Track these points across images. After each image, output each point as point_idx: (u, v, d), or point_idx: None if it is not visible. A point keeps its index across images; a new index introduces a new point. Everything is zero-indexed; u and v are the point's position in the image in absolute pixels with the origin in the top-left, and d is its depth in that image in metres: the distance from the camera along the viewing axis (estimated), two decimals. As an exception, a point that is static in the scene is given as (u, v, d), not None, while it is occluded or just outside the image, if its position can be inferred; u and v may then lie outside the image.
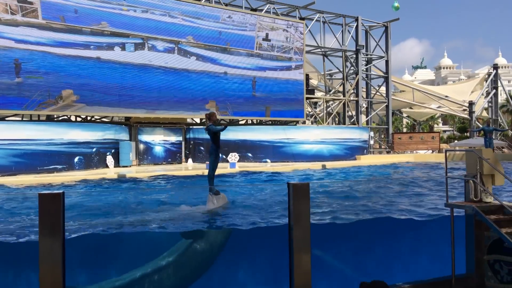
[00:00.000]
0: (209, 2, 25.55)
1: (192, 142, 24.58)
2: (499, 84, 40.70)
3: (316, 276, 6.01)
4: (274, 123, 27.53)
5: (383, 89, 35.13)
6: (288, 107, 27.02)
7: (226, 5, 26.88)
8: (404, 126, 65.25)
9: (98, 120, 23.15)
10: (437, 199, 10.50)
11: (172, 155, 23.52)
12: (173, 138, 23.62)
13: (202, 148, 24.34)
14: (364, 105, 34.68)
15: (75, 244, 6.67)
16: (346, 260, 8.42)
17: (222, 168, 19.62)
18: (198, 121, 28.23)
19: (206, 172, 18.63)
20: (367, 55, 33.86)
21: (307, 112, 31.11)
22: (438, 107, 47.60)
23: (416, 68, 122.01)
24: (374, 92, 35.10)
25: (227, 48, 24.74)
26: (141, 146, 22.52)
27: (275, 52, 26.55)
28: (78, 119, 22.70)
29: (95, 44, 20.37)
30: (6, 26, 18.01)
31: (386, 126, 34.98)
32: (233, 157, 21.31)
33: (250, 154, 23.97)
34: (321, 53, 33.42)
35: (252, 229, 7.68)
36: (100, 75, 20.38)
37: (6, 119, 19.83)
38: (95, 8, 20.47)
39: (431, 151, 32.23)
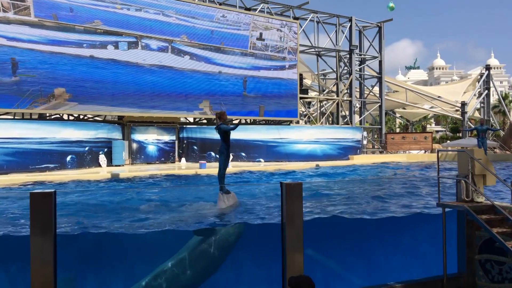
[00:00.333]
0: (204, 1, 25.50)
1: (185, 141, 24.52)
2: (491, 84, 41.00)
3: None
4: (268, 122, 27.54)
5: (376, 89, 35.27)
6: (282, 106, 27.04)
7: (220, 4, 26.84)
8: (397, 126, 65.55)
9: (90, 119, 23.03)
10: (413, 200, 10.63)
11: (165, 154, 23.45)
12: (167, 137, 23.55)
13: (195, 147, 24.30)
14: (357, 105, 34.79)
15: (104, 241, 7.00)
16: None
17: (215, 168, 19.63)
18: (191, 120, 28.18)
19: (199, 171, 18.68)
20: (360, 55, 33.97)
21: (301, 112, 31.15)
22: (431, 108, 47.88)
23: (409, 68, 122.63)
24: (368, 92, 35.23)
25: (221, 47, 24.70)
26: (134, 145, 22.43)
27: (269, 51, 26.55)
28: (71, 117, 22.56)
29: (88, 42, 20.26)
30: (-2, 23, 17.88)
31: (379, 126, 35.13)
32: (227, 156, 21.27)
33: (243, 154, 23.96)
34: (315, 53, 33.48)
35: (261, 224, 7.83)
36: (93, 74, 20.27)
37: (-2, 117, 19.67)
38: (88, 6, 20.36)
39: (423, 151, 32.41)
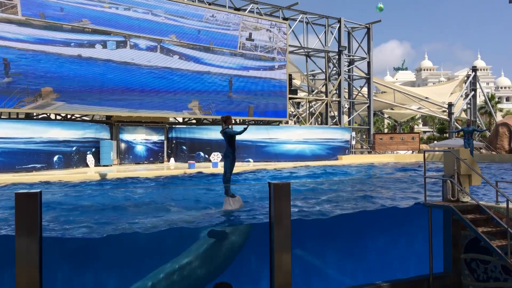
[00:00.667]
0: (193, 1, 25.43)
1: (174, 141, 24.42)
2: (477, 86, 41.52)
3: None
4: (257, 122, 27.55)
5: (365, 90, 35.50)
6: (271, 107, 27.09)
7: (210, 4, 26.79)
8: (385, 126, 66.05)
9: (78, 119, 22.83)
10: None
11: (154, 154, 23.33)
12: (155, 137, 23.43)
13: (184, 147, 24.22)
14: (346, 105, 34.98)
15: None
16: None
17: (204, 168, 19.60)
18: (180, 120, 28.07)
19: (188, 171, 18.63)
20: (349, 56, 34.16)
21: (290, 112, 31.23)
22: (418, 108, 48.34)
23: (397, 69, 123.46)
24: (356, 93, 35.44)
25: (210, 47, 24.66)
26: (123, 145, 22.28)
27: (258, 52, 26.57)
28: (58, 117, 22.34)
29: (76, 41, 20.08)
30: (-17, 21, 17.65)
31: (368, 127, 35.36)
32: (216, 156, 21.25)
33: (232, 154, 23.93)
34: (304, 53, 33.60)
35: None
36: (80, 73, 20.10)
37: (-17, 116, 19.41)
38: (76, 5, 20.18)
39: (411, 151, 32.70)
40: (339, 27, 32.49)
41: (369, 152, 33.59)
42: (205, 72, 24.33)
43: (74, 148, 19.53)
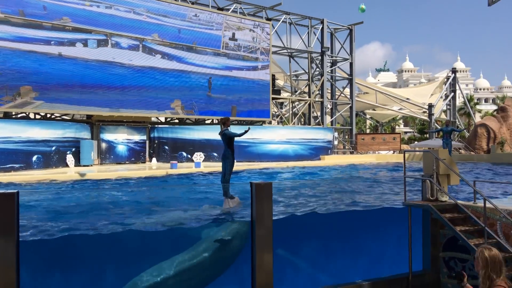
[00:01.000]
0: (176, 0, 25.27)
1: (156, 141, 24.24)
2: (457, 87, 42.25)
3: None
4: (240, 122, 27.53)
5: (347, 90, 35.80)
6: (254, 107, 27.10)
7: (193, 3, 26.66)
8: (367, 127, 66.69)
9: (58, 118, 22.48)
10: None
11: (136, 154, 23.11)
12: (137, 137, 23.22)
13: (166, 147, 24.05)
14: (328, 106, 35.20)
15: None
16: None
17: (187, 168, 19.49)
18: (163, 120, 27.87)
19: (170, 171, 18.50)
20: (332, 57, 34.40)
21: (273, 112, 31.30)
22: (399, 109, 48.97)
23: (379, 71, 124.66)
24: (339, 94, 35.70)
25: (193, 46, 24.55)
26: (103, 145, 22.02)
27: (242, 52, 26.56)
28: (37, 116, 21.95)
29: (56, 39, 19.77)
30: (-40, 18, 17.24)
31: (350, 127, 35.66)
32: (198, 156, 21.18)
33: (215, 154, 23.86)
34: (287, 54, 33.71)
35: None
36: (61, 72, 19.78)
37: (-40, 115, 18.96)
38: (57, 3, 19.87)
39: (392, 151, 33.11)
40: (322, 28, 32.70)
41: (351, 152, 33.89)
42: (188, 72, 24.21)
43: (53, 148, 19.23)
